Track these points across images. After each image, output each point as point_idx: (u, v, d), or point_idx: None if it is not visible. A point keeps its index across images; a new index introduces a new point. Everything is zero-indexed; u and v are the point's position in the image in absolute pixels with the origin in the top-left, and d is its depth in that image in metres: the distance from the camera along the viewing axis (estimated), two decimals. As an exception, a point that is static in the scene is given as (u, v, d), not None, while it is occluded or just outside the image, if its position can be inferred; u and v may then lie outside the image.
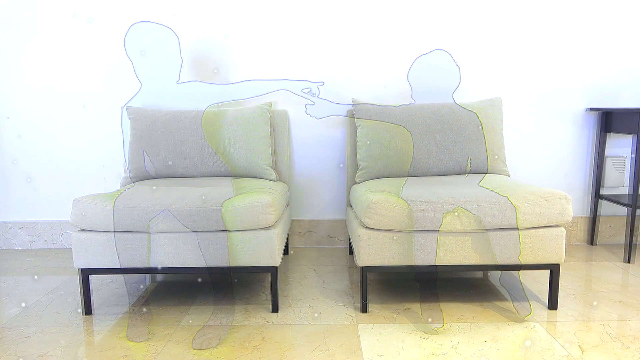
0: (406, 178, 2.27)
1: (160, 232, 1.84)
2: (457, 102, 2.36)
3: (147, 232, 1.84)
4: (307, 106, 2.43)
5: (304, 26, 2.64)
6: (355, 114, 2.40)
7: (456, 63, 2.30)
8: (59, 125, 2.74)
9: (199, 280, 2.26)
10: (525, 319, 1.84)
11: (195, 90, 2.51)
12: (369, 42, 2.65)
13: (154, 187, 2.00)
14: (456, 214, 1.81)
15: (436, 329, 1.77)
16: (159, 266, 1.84)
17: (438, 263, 1.86)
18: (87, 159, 2.76)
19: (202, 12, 2.62)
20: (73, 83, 2.70)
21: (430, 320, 1.84)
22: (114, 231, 1.84)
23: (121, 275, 2.35)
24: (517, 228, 1.85)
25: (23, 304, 2.03)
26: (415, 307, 1.97)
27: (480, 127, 2.06)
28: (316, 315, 1.90)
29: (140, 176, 2.34)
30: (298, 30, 2.64)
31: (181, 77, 2.64)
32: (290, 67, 2.67)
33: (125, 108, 2.43)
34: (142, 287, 2.21)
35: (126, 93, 2.70)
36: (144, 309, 1.96)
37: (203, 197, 1.84)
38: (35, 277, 2.25)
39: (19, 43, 2.66)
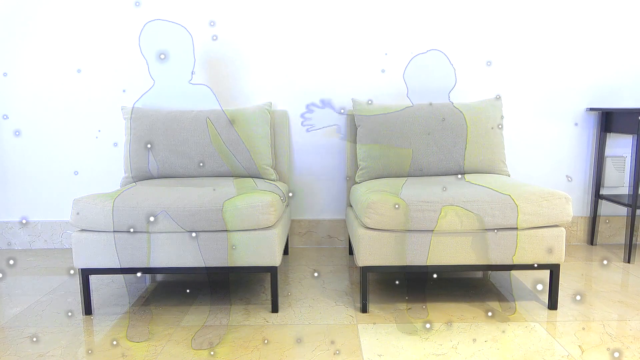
0: (406, 178, 2.27)
1: (160, 232, 1.84)
2: (452, 101, 2.36)
3: (147, 232, 1.84)
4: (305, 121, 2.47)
5: (303, 25, 2.64)
6: (355, 114, 2.40)
7: (452, 64, 2.30)
8: (59, 125, 2.74)
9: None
10: (509, 317, 1.84)
11: (205, 94, 2.51)
12: (370, 39, 2.65)
13: (156, 185, 2.00)
14: (448, 212, 1.81)
15: (419, 324, 1.77)
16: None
17: (438, 263, 1.86)
18: (87, 159, 2.76)
19: None
20: (73, 81, 2.70)
21: (419, 319, 1.84)
22: (114, 231, 1.84)
23: (121, 275, 2.35)
24: (516, 228, 1.85)
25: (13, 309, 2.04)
26: (415, 307, 1.97)
27: (465, 127, 2.06)
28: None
29: (140, 176, 2.34)
30: (298, 29, 2.64)
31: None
32: (289, 67, 2.67)
33: (122, 108, 2.43)
34: (143, 286, 2.21)
35: (126, 93, 2.70)
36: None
37: (214, 190, 1.85)
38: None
39: (17, 41, 2.66)
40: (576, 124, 2.13)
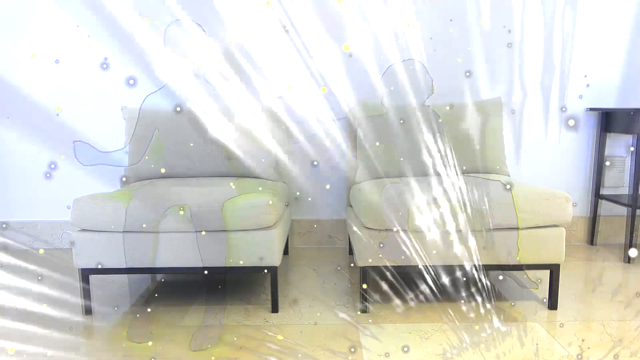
0: (406, 178, 2.27)
1: (163, 232, 1.84)
2: (428, 104, 2.36)
3: (154, 231, 1.83)
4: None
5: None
6: (355, 115, 2.40)
7: (429, 75, 2.31)
8: (59, 124, 2.74)
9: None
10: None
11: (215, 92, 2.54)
12: (370, 36, 2.64)
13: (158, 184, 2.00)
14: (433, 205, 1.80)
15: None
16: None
17: (439, 263, 1.86)
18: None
19: None
20: (73, 80, 2.70)
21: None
22: (124, 231, 1.83)
23: (119, 274, 2.35)
24: (516, 228, 1.85)
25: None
26: (415, 307, 1.97)
27: (442, 126, 2.06)
28: (318, 314, 1.90)
29: (139, 176, 2.34)
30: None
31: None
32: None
33: (122, 108, 2.43)
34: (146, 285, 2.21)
35: (124, 86, 2.70)
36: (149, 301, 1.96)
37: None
38: (40, 278, 2.25)
39: (15, 41, 2.66)
40: (571, 125, 2.12)
